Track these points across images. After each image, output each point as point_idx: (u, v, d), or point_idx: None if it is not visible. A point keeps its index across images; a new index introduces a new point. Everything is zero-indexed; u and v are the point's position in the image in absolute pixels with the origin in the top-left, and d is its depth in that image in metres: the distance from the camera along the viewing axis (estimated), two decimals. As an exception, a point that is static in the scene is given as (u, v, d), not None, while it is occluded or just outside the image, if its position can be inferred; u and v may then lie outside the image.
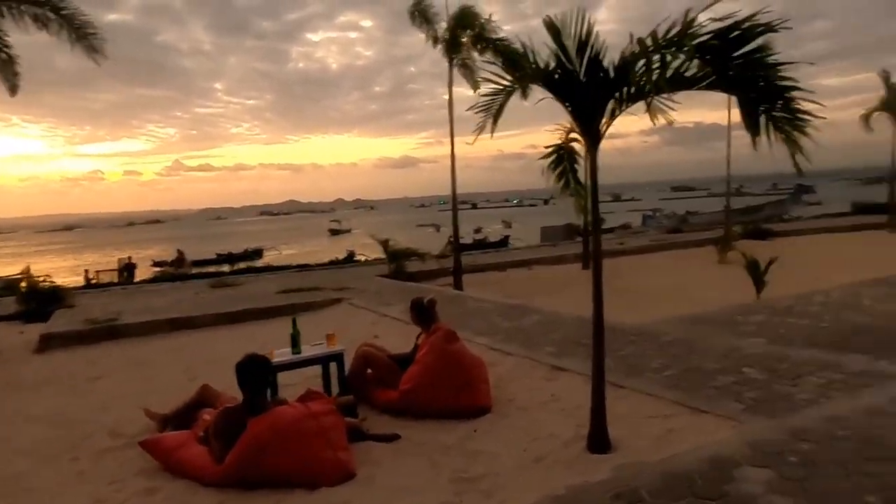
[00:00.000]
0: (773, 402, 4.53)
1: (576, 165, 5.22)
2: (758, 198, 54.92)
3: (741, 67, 3.54)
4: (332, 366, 5.59)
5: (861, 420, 4.06)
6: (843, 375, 5.01)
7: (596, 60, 3.85)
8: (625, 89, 3.95)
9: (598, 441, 4.13)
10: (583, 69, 3.88)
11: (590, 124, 4.00)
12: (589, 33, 3.77)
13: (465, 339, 7.41)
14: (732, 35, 3.43)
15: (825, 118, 3.47)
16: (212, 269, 21.98)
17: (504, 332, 7.56)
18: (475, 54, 12.56)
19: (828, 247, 17.30)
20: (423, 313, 5.54)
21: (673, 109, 4.08)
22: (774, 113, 3.57)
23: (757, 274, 9.30)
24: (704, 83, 3.67)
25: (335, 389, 5.53)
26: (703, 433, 4.16)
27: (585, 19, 3.76)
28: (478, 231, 58.40)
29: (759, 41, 3.47)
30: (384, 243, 15.71)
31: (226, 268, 22.76)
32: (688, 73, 3.62)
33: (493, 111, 4.71)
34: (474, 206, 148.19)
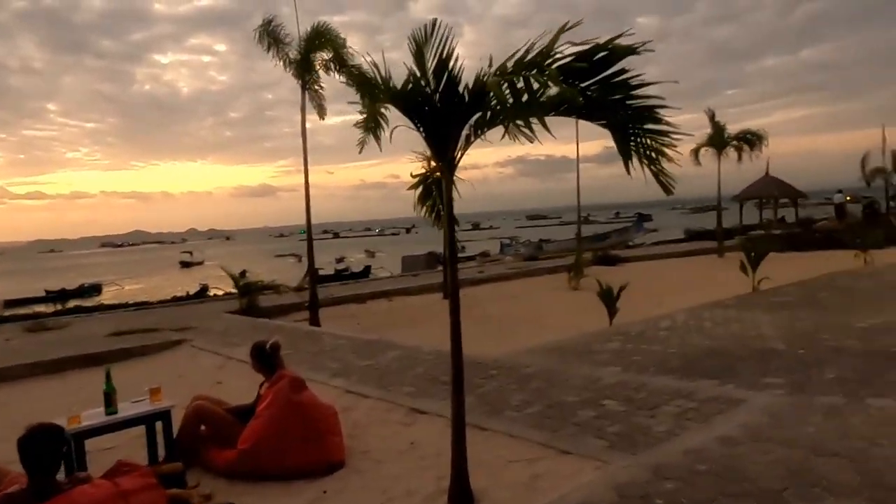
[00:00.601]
0: (633, 437, 4.43)
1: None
2: (604, 225, 58.71)
3: (607, 90, 3.39)
4: (159, 424, 4.81)
5: (717, 451, 4.04)
6: (695, 403, 5.05)
7: (452, 83, 3.58)
8: (479, 115, 3.71)
9: (460, 496, 3.77)
10: (439, 92, 3.59)
11: (445, 151, 3.70)
12: (450, 55, 3.49)
13: (319, 382, 6.87)
14: (597, 57, 3.26)
15: (688, 135, 3.41)
16: (28, 309, 19.36)
17: (360, 372, 7.08)
18: (334, 74, 12.06)
19: (668, 272, 18.54)
20: (265, 359, 4.94)
21: (534, 138, 3.91)
22: (642, 132, 3.45)
23: (610, 301, 9.56)
24: (564, 108, 3.50)
25: (163, 453, 4.76)
26: (569, 477, 3.94)
27: (449, 39, 3.48)
28: (340, 261, 57.26)
29: (621, 64, 3.35)
30: (236, 276, 14.66)
31: (45, 308, 20.19)
32: (548, 98, 3.41)
33: (366, 136, 4.34)
34: (336, 236, 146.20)
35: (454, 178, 3.89)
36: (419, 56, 3.50)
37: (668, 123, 3.34)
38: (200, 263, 71.68)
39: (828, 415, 4.58)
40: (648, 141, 3.40)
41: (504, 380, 6.26)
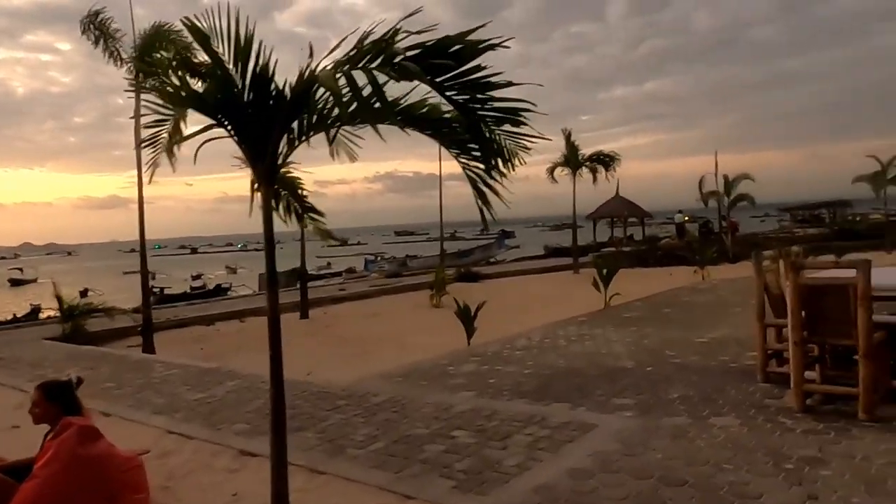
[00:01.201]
0: (483, 473, 4.09)
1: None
2: (469, 242, 59.91)
3: (463, 87, 2.98)
4: None
5: (568, 486, 3.78)
6: (548, 430, 4.82)
7: (263, 77, 3.05)
8: (306, 116, 3.22)
9: (280, 561, 3.21)
10: (247, 87, 3.05)
11: (260, 157, 3.16)
12: (250, 40, 2.95)
13: (136, 422, 5.97)
14: (451, 50, 2.84)
15: (545, 140, 3.12)
16: None
17: (188, 408, 6.25)
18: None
19: (527, 288, 18.90)
20: (56, 400, 4.07)
21: (355, 155, 3.47)
22: (503, 134, 3.09)
23: (467, 320, 9.34)
24: (420, 112, 3.07)
25: None
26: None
27: (245, 22, 2.94)
28: (197, 277, 53.70)
29: (479, 60, 2.96)
30: (61, 296, 12.95)
31: None
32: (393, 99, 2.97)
33: (163, 145, 3.66)
34: (194, 251, 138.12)
35: (282, 187, 3.37)
36: (206, 45, 2.93)
37: (527, 125, 2.99)
38: (34, 281, 64.63)
39: (675, 438, 4.50)
40: (505, 144, 3.05)
41: (351, 411, 5.73)
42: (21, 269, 77.48)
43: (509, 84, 2.79)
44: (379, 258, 40.91)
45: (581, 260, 22.75)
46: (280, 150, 3.22)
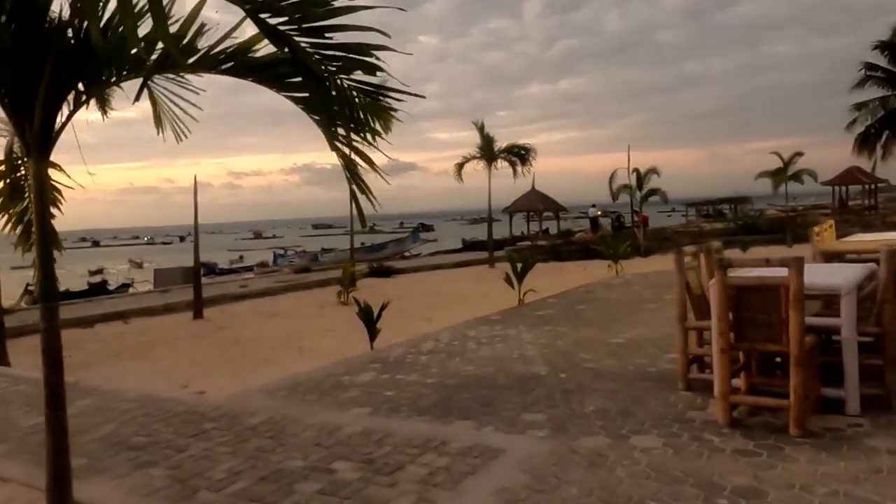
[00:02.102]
0: (362, 522, 3.32)
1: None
2: (388, 235, 59.05)
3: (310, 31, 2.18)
4: None
5: (464, 538, 3.07)
6: (447, 458, 4.10)
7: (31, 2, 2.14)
8: (107, 65, 2.32)
9: None
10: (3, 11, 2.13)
11: (26, 118, 2.23)
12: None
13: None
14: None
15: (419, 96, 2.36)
16: None
17: (17, 439, 5.14)
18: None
19: (440, 283, 18.26)
20: None
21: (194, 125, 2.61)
22: (356, 87, 2.30)
23: (370, 321, 8.53)
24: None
25: None
26: None
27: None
28: (97, 272, 50.11)
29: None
30: None
31: None
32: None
33: None
34: (96, 244, 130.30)
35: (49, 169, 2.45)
36: None
37: (387, 74, 2.23)
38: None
39: (592, 466, 3.87)
40: (361, 100, 2.28)
41: (218, 437, 4.82)
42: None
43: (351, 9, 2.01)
44: (288, 252, 39.32)
45: (497, 253, 22.37)
46: (60, 113, 2.30)
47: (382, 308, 8.82)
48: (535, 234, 32.21)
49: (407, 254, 30.48)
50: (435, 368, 6.70)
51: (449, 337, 8.40)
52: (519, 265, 12.43)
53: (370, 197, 2.54)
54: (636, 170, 25.55)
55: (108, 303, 16.66)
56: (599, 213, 36.61)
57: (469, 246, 32.28)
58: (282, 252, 38.78)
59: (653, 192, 25.58)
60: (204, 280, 34.84)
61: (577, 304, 10.99)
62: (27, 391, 6.73)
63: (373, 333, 8.56)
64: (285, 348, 9.88)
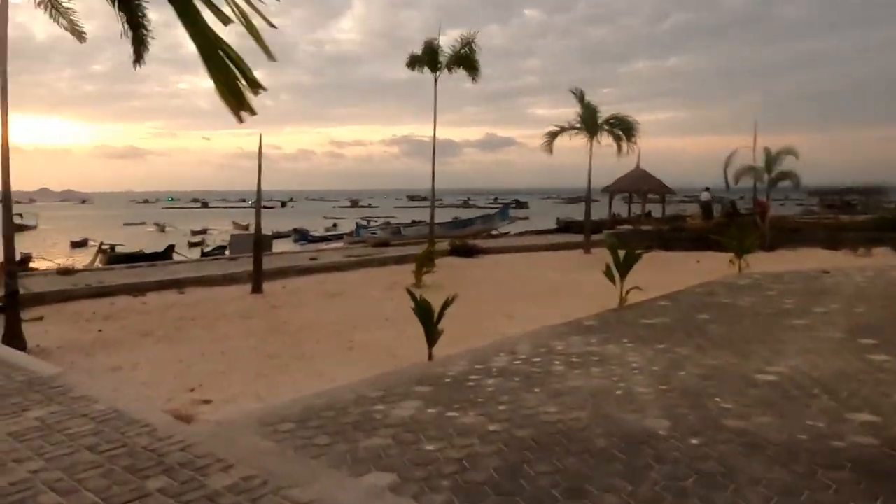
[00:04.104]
0: None
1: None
2: (480, 211, 57.27)
3: None
4: None
5: None
6: None
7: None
8: None
9: None
10: None
11: None
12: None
13: None
14: None
15: None
16: None
17: None
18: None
19: (528, 269, 16.18)
20: None
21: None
22: None
23: (429, 323, 6.71)
24: None
25: None
26: None
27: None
28: (201, 232, 51.58)
29: None
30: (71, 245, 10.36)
31: None
32: None
33: None
34: (205, 205, 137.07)
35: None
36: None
37: None
38: (34, 228, 62.95)
39: None
40: None
41: (156, 511, 3.17)
42: (21, 215, 75.59)
43: None
44: (371, 223, 38.29)
45: (594, 237, 19.98)
46: None
47: (446, 305, 6.95)
48: (636, 217, 29.32)
49: (494, 232, 28.47)
50: (504, 404, 4.76)
51: (529, 349, 6.45)
52: (621, 255, 10.20)
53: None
54: (766, 150, 22.13)
55: (170, 269, 15.78)
56: (710, 198, 33.07)
57: (563, 227, 29.82)
58: (364, 223, 37.77)
59: (783, 175, 22.10)
60: (296, 247, 34.70)
61: (697, 311, 8.71)
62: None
63: (432, 337, 6.73)
64: (333, 341, 8.26)
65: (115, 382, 6.37)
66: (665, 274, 13.32)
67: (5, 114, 8.07)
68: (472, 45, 19.23)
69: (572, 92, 20.38)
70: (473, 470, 3.63)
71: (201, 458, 3.75)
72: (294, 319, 9.81)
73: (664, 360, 6.02)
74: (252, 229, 17.10)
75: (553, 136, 20.43)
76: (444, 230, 24.49)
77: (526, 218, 46.82)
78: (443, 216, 32.52)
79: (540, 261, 17.96)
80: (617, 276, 9.95)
